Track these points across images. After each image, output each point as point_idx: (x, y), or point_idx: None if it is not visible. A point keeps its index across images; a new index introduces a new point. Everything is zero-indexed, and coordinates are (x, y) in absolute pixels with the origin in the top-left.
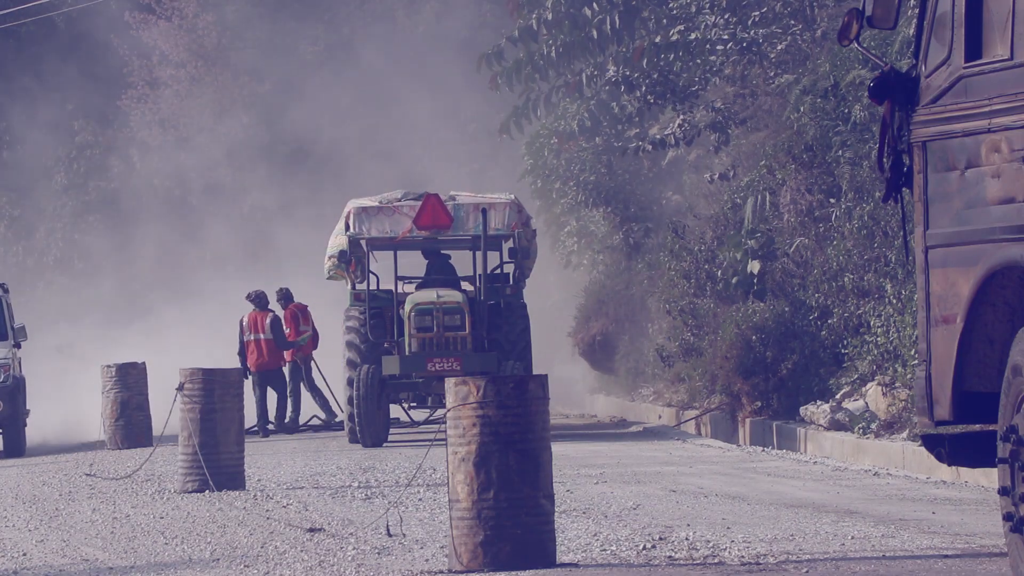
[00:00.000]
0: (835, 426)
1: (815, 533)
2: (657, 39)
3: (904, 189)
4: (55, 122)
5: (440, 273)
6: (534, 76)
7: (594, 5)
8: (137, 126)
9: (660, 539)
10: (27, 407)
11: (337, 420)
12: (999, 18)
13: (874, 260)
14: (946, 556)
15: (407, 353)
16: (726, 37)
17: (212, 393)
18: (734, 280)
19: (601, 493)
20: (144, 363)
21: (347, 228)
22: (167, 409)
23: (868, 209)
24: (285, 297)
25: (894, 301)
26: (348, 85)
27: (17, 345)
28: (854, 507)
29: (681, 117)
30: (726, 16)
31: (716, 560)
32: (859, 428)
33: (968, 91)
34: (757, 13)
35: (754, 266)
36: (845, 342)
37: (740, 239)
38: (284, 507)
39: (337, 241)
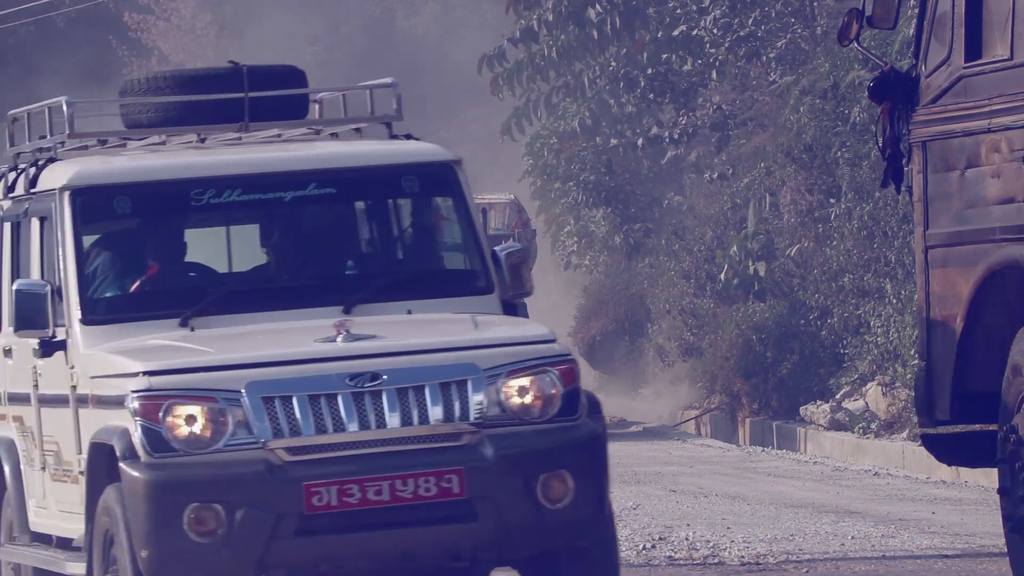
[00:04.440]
0: (835, 426)
1: (815, 533)
2: (659, 34)
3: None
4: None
5: None
6: (535, 77)
7: (596, 6)
8: None
9: (660, 539)
10: None
11: None
12: (999, 18)
13: (874, 260)
14: (946, 556)
15: None
16: (724, 32)
17: None
18: (734, 281)
19: None
20: None
21: None
22: None
23: (868, 209)
24: None
25: (894, 301)
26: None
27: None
28: (854, 507)
29: (684, 119)
30: (723, 8)
31: (716, 560)
32: (859, 428)
33: (968, 91)
34: (758, 11)
35: (761, 267)
36: (845, 342)
37: (741, 240)
38: None
39: None
